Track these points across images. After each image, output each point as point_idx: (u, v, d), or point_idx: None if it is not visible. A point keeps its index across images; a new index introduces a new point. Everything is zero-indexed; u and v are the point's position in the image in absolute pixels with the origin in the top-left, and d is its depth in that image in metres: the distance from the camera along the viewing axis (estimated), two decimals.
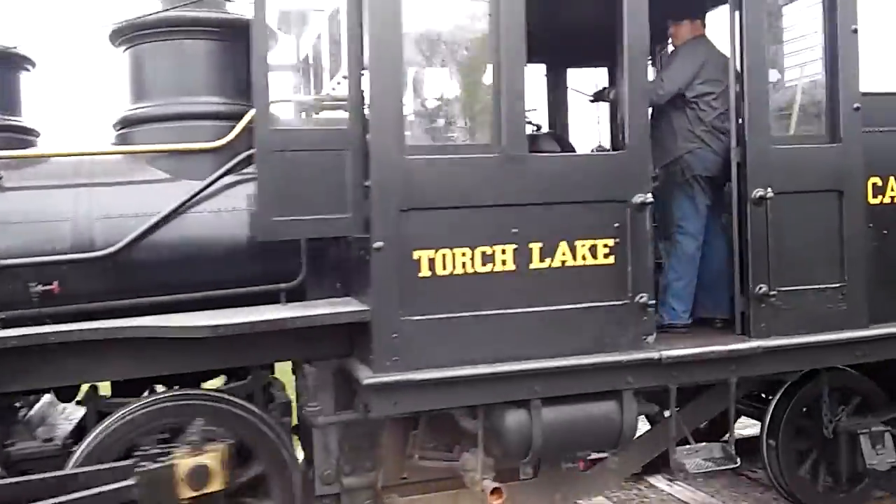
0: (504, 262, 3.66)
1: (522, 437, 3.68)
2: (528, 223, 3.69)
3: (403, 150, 3.53)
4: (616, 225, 3.79)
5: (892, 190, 4.28)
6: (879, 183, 4.25)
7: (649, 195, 3.76)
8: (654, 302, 3.83)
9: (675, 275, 4.37)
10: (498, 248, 3.65)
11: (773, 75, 4.19)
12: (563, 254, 3.75)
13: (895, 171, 4.29)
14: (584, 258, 3.78)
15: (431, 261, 3.58)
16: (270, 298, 3.87)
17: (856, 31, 4.09)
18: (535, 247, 3.69)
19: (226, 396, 3.75)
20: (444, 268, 3.60)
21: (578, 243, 3.76)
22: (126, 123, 4.24)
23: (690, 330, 4.32)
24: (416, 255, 3.55)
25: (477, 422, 3.78)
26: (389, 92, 3.50)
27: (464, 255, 3.62)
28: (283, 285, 3.84)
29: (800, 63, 4.38)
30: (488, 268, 3.65)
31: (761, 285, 3.95)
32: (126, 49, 4.27)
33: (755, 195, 3.93)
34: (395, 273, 3.52)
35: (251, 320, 3.38)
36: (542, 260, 3.71)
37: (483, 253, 3.64)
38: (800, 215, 4.06)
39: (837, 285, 4.10)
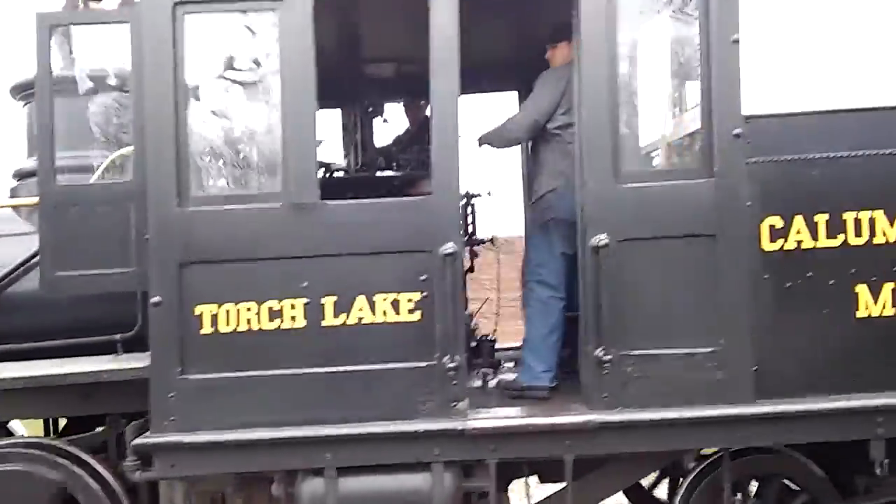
0: (293, 318, 3.41)
1: None
2: (320, 276, 3.40)
3: (184, 201, 3.40)
4: (422, 278, 3.40)
5: (798, 233, 3.45)
6: (779, 224, 3.44)
7: (454, 245, 3.33)
8: (459, 364, 3.37)
9: (530, 327, 3.84)
10: (287, 303, 3.41)
11: (630, 99, 3.53)
12: (361, 309, 3.41)
13: (803, 210, 3.45)
14: (384, 314, 3.42)
15: (214, 317, 3.41)
16: (111, 348, 3.89)
17: (737, 41, 3.36)
18: (329, 301, 3.40)
19: (48, 443, 3.82)
20: (228, 324, 3.41)
21: (378, 297, 3.41)
22: (19, 176, 4.49)
23: (551, 395, 3.77)
24: (197, 310, 3.40)
25: (281, 488, 3.55)
26: (166, 140, 3.37)
27: (248, 310, 3.42)
28: (118, 336, 3.85)
29: (673, 84, 3.68)
30: (275, 324, 3.41)
31: (601, 349, 3.36)
32: (24, 104, 4.52)
33: (592, 243, 3.34)
34: (174, 329, 3.39)
35: (12, 376, 3.40)
36: (336, 316, 3.40)
37: (270, 308, 3.41)
38: (657, 266, 3.40)
39: (709, 350, 3.38)
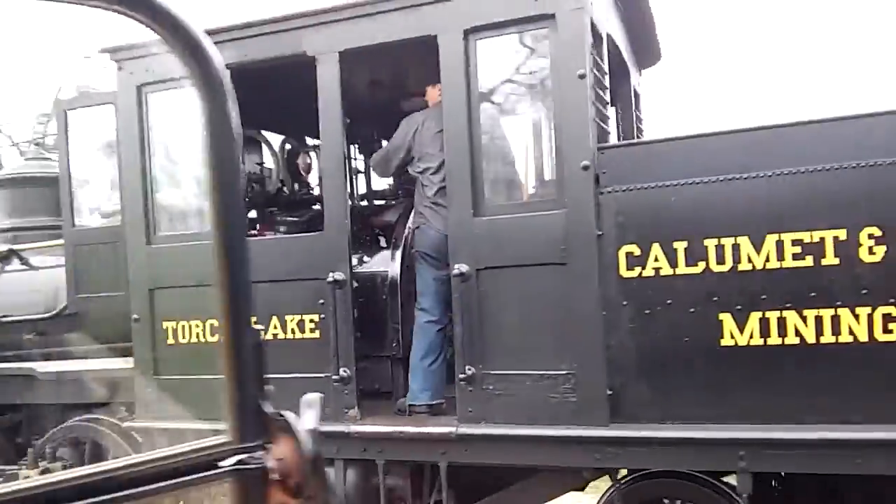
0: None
1: None
2: None
3: (150, 240, 4.33)
4: (320, 301, 3.98)
5: (657, 260, 3.42)
6: (637, 252, 3.44)
7: (340, 274, 3.86)
8: (349, 376, 3.90)
9: (412, 351, 4.16)
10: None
11: (490, 138, 3.72)
12: (275, 327, 4.09)
13: (660, 238, 3.41)
14: (293, 332, 4.06)
15: (175, 330, 4.31)
16: None
17: (583, 76, 3.43)
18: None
19: None
20: (184, 337, 4.30)
21: (288, 318, 4.06)
22: None
23: (432, 410, 4.08)
24: (164, 325, 4.33)
25: None
26: (136, 189, 4.32)
27: (197, 326, 4.26)
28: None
29: (531, 120, 3.76)
30: (216, 338, 4.22)
31: (468, 367, 3.68)
32: None
33: (456, 271, 3.66)
34: (148, 339, 4.35)
35: None
36: None
37: (212, 325, 4.23)
38: (515, 292, 3.62)
39: (564, 373, 3.54)
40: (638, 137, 5.03)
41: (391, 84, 4.76)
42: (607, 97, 3.77)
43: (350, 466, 4.01)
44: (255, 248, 4.14)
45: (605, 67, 3.71)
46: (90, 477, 0.74)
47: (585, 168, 3.45)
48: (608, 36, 3.97)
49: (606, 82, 3.72)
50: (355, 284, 4.05)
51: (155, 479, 0.79)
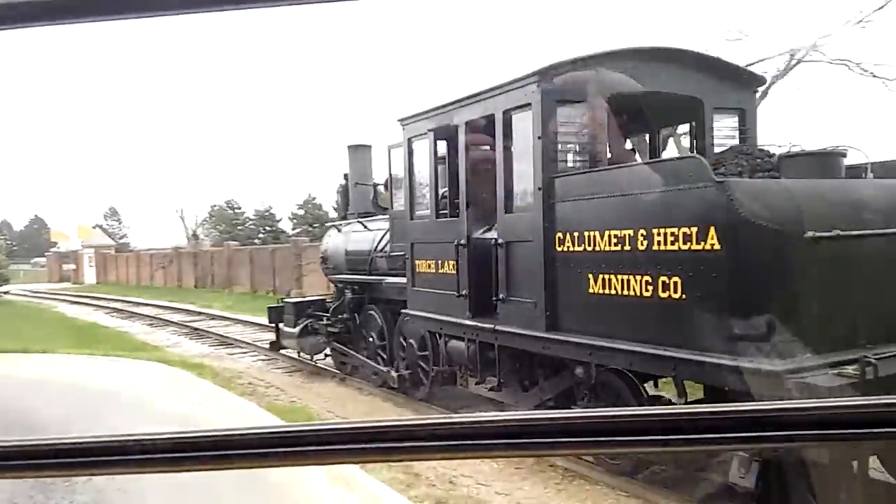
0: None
1: None
2: None
3: (412, 217, 8.62)
4: (455, 254, 7.68)
5: (568, 242, 6.06)
6: (561, 237, 6.15)
7: (463, 240, 7.51)
8: (465, 294, 7.52)
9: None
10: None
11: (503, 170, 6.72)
12: (437, 266, 7.95)
13: (570, 229, 6.05)
14: (444, 269, 7.86)
15: (419, 264, 8.57)
16: None
17: (540, 138, 6.30)
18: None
19: None
20: (423, 268, 8.51)
21: (441, 261, 7.89)
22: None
23: None
24: (416, 261, 8.62)
25: None
26: (408, 195, 8.64)
27: (429, 265, 8.42)
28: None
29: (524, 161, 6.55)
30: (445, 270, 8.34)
31: (500, 294, 6.95)
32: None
33: (498, 241, 6.94)
34: (410, 268, 8.71)
35: None
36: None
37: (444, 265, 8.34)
38: (515, 256, 6.72)
39: (532, 301, 6.52)
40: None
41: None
42: (568, 146, 6.44)
43: (460, 341, 7.64)
44: (431, 224, 8.06)
45: (565, 130, 6.37)
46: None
47: (539, 189, 6.34)
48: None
49: (560, 139, 6.39)
50: (473, 246, 7.56)
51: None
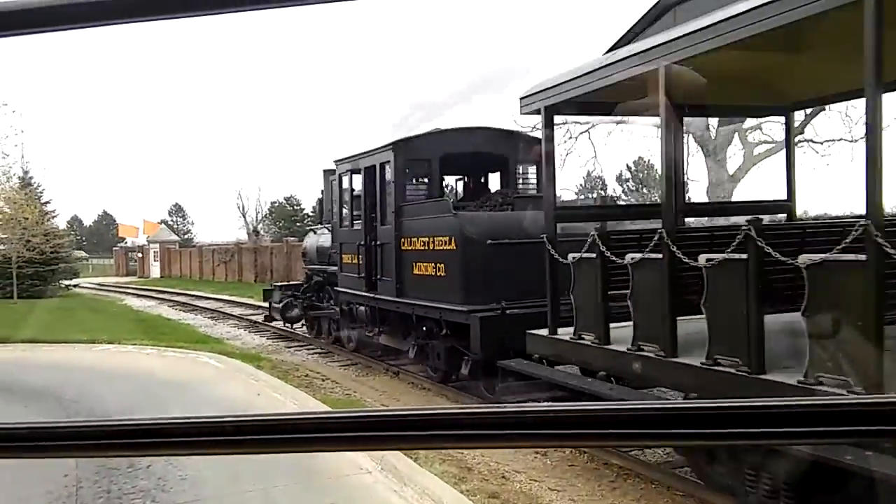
0: None
1: None
2: None
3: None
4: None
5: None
6: (404, 240, 6.79)
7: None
8: None
9: None
10: None
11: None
12: None
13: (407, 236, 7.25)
14: None
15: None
16: None
17: (394, 181, 6.54)
18: None
19: None
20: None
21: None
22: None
23: None
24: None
25: None
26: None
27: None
28: None
29: None
30: None
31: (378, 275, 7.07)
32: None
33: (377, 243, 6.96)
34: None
35: None
36: None
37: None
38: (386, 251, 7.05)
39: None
40: None
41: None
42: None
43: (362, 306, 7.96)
44: (347, 231, 8.16)
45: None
46: None
47: (393, 212, 6.71)
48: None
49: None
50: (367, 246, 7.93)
51: None
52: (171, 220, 78.05)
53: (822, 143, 21.28)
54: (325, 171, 14.16)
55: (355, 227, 11.94)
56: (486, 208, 9.91)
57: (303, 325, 15.59)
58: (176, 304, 27.39)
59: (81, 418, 6.31)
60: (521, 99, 7.14)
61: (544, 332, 7.04)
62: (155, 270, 51.11)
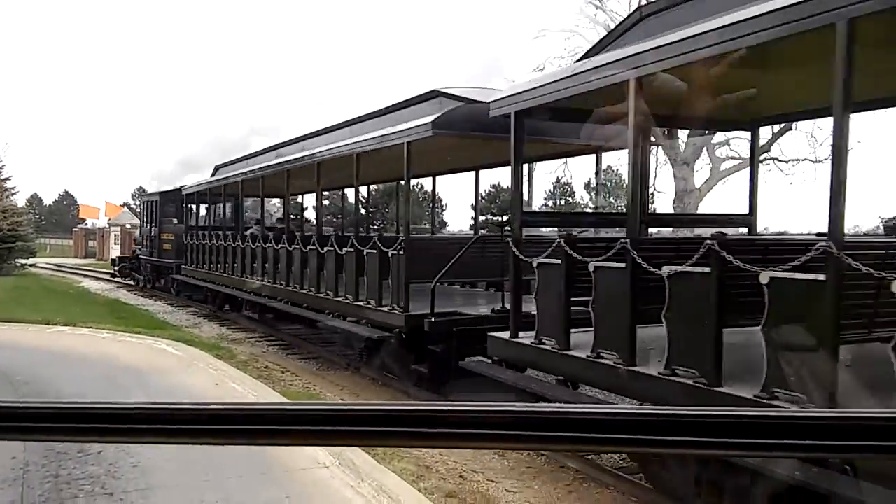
0: None
1: None
2: None
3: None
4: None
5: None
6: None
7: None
8: None
9: None
10: None
11: None
12: None
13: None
14: None
15: None
16: None
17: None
18: None
19: None
20: None
21: None
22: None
23: None
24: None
25: None
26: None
27: None
28: None
29: None
30: None
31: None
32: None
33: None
34: None
35: None
36: None
37: None
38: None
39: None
40: None
41: None
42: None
43: None
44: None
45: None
46: None
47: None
48: None
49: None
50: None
51: None
52: (134, 204, 76.57)
53: (787, 162, 21.87)
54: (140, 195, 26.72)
55: (153, 228, 23.94)
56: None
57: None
58: (134, 288, 26.90)
59: (29, 399, 6.15)
60: (492, 103, 7.18)
61: (506, 335, 7.06)
62: (115, 253, 49.97)
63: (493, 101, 7.15)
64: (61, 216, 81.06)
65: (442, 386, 8.59)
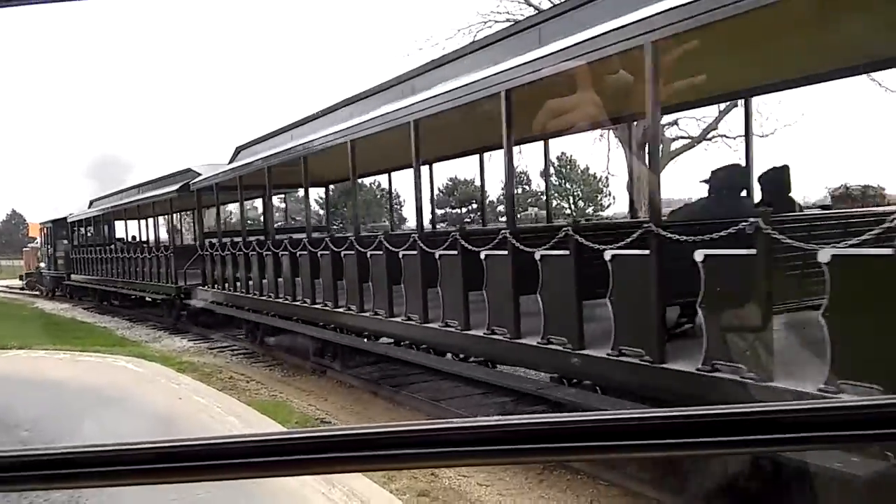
0: None
1: None
2: None
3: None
4: None
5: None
6: None
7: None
8: None
9: None
10: None
11: None
12: None
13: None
14: None
15: None
16: None
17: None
18: None
19: None
20: None
21: None
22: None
23: None
24: None
25: None
26: None
27: None
28: None
29: None
30: None
31: None
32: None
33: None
34: None
35: None
36: None
37: None
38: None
39: None
40: None
41: None
42: None
43: None
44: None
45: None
46: None
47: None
48: None
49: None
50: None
51: None
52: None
53: (734, 139, 22.24)
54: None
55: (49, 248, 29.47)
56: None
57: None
58: (91, 306, 26.35)
59: None
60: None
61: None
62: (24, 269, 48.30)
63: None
64: (10, 236, 78.79)
65: None
